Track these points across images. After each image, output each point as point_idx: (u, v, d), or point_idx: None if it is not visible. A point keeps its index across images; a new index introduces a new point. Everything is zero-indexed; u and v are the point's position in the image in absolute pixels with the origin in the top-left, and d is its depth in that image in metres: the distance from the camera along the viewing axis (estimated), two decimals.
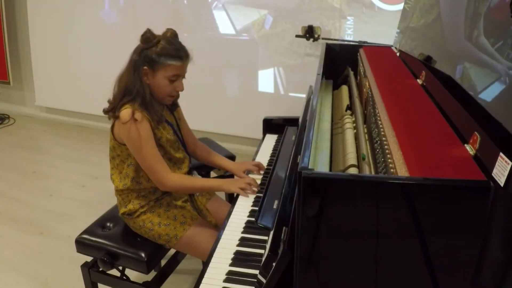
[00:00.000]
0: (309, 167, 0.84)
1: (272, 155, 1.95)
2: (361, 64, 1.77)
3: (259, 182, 1.73)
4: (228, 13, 3.31)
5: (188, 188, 1.61)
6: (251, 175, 1.76)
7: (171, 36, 1.53)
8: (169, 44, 1.50)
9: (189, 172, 1.73)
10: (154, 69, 1.50)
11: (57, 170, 3.33)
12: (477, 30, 1.02)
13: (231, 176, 2.25)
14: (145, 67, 1.49)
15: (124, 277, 1.67)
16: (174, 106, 1.70)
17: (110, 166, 1.63)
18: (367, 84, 1.46)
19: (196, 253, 1.60)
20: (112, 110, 1.51)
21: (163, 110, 1.62)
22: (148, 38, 1.49)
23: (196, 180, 1.63)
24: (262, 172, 1.78)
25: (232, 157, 2.22)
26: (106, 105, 1.56)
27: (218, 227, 1.64)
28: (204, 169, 2.16)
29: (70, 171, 3.30)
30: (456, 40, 1.17)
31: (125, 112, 1.47)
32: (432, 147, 0.93)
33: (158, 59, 1.48)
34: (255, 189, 1.60)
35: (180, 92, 1.60)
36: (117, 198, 1.65)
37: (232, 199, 1.74)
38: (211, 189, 1.68)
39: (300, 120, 1.78)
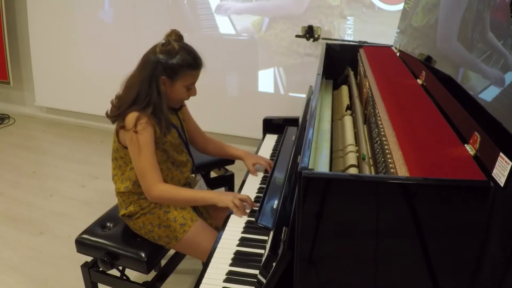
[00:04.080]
0: (309, 167, 0.84)
1: (272, 155, 1.95)
2: (361, 64, 1.77)
3: (259, 182, 1.73)
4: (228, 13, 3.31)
5: (174, 200, 1.54)
6: (258, 173, 1.78)
7: (176, 39, 1.51)
8: (189, 54, 1.50)
9: (192, 174, 1.73)
10: (172, 78, 1.50)
11: (57, 170, 3.33)
12: (479, 30, 1.02)
13: (231, 176, 2.27)
14: (164, 77, 1.48)
15: (124, 277, 1.67)
16: (179, 108, 1.69)
17: (112, 166, 1.63)
18: (367, 84, 1.46)
19: (196, 254, 1.60)
20: (118, 116, 1.51)
21: (171, 114, 1.61)
22: (169, 50, 1.47)
23: (186, 192, 1.55)
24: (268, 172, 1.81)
25: None
26: (106, 105, 1.56)
27: (219, 228, 1.64)
28: (203, 169, 2.16)
29: (70, 171, 3.30)
30: (452, 43, 1.17)
31: (130, 119, 1.46)
32: (432, 147, 0.93)
33: (178, 69, 1.48)
34: (247, 210, 1.50)
35: None
36: (118, 199, 1.65)
37: None
38: (201, 202, 1.58)
39: (300, 120, 1.78)
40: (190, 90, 1.57)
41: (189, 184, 1.71)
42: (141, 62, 1.52)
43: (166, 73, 1.48)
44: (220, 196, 1.51)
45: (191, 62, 1.50)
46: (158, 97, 1.49)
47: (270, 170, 1.78)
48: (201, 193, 1.58)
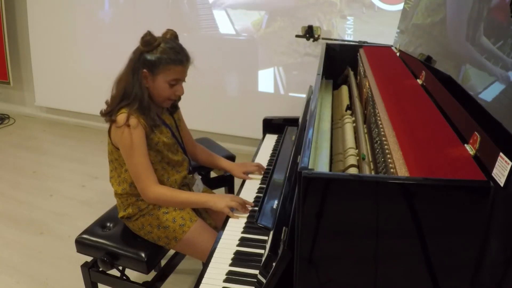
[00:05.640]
0: (309, 167, 0.84)
1: (272, 155, 1.95)
2: (361, 64, 1.77)
3: (258, 182, 1.73)
4: (228, 13, 3.31)
5: (170, 202, 1.54)
6: (251, 175, 1.77)
7: (171, 38, 1.52)
8: (170, 47, 1.48)
9: (189, 174, 1.73)
10: (154, 73, 1.48)
11: (57, 170, 3.33)
12: (478, 30, 1.02)
13: (231, 176, 2.26)
14: (145, 70, 1.47)
15: (124, 277, 1.67)
16: (174, 109, 1.69)
17: (109, 168, 1.63)
18: (367, 84, 1.46)
19: (195, 254, 1.60)
20: (109, 113, 1.51)
21: (162, 113, 1.61)
22: (148, 41, 1.46)
23: (181, 194, 1.55)
24: (262, 173, 1.79)
25: (232, 157, 2.22)
26: (106, 105, 1.56)
27: (218, 228, 1.64)
28: (203, 169, 2.16)
29: (70, 171, 3.30)
30: (458, 40, 1.17)
31: (121, 117, 1.46)
32: (432, 147, 0.93)
33: (158, 63, 1.46)
34: (246, 208, 1.50)
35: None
36: (117, 200, 1.65)
37: None
38: (196, 205, 1.58)
39: (300, 120, 1.78)
40: (174, 87, 1.52)
41: (187, 185, 1.71)
42: (128, 58, 1.52)
43: (147, 66, 1.47)
44: (214, 200, 1.51)
45: (171, 56, 1.47)
46: (139, 90, 1.47)
47: (260, 172, 1.79)
48: (196, 196, 1.57)
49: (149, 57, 1.46)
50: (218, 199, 1.51)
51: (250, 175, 1.79)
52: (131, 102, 1.47)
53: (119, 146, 1.50)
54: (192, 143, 1.84)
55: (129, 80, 1.48)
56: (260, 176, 1.78)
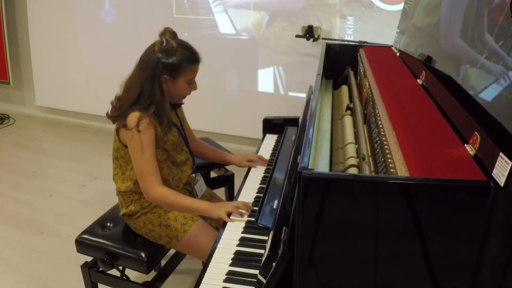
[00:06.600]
0: (309, 167, 0.84)
1: (272, 155, 1.95)
2: (361, 64, 1.77)
3: (259, 182, 1.73)
4: (228, 13, 3.31)
5: (171, 205, 1.54)
6: (254, 170, 1.80)
7: (171, 36, 1.53)
8: (186, 49, 1.52)
9: (193, 173, 1.73)
10: (174, 76, 1.51)
11: (57, 170, 3.33)
12: (477, 29, 1.02)
13: (231, 176, 2.27)
14: (166, 76, 1.49)
15: (124, 277, 1.67)
16: (177, 105, 1.70)
17: (113, 166, 1.63)
18: (367, 84, 1.46)
19: (196, 254, 1.60)
20: (119, 116, 1.51)
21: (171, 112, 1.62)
22: (167, 49, 1.48)
23: (184, 199, 1.54)
24: (265, 165, 1.83)
25: None
26: (106, 105, 1.56)
27: (218, 228, 1.64)
28: (203, 169, 2.16)
29: (70, 171, 3.30)
30: (456, 40, 1.17)
31: (132, 119, 1.46)
32: (432, 147, 0.93)
33: (179, 66, 1.50)
34: (243, 211, 1.49)
35: None
36: (119, 198, 1.65)
37: (233, 199, 1.75)
38: (198, 212, 1.57)
39: (300, 120, 1.78)
40: (192, 85, 1.59)
41: (189, 184, 1.71)
42: (139, 63, 1.52)
43: (168, 72, 1.50)
44: (214, 209, 1.51)
45: (190, 57, 1.52)
46: (160, 96, 1.50)
47: (261, 163, 1.84)
48: (198, 204, 1.56)
49: (170, 61, 1.49)
50: (218, 208, 1.51)
51: (253, 169, 1.83)
52: (147, 106, 1.48)
53: (129, 145, 1.50)
54: (195, 140, 1.86)
55: (146, 87, 1.48)
56: (262, 173, 1.79)
